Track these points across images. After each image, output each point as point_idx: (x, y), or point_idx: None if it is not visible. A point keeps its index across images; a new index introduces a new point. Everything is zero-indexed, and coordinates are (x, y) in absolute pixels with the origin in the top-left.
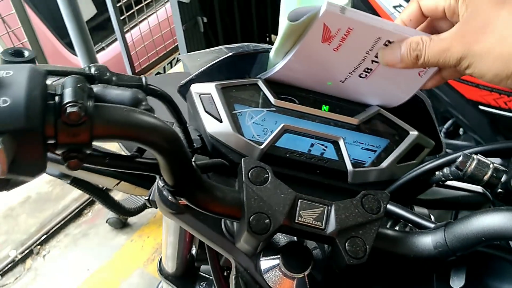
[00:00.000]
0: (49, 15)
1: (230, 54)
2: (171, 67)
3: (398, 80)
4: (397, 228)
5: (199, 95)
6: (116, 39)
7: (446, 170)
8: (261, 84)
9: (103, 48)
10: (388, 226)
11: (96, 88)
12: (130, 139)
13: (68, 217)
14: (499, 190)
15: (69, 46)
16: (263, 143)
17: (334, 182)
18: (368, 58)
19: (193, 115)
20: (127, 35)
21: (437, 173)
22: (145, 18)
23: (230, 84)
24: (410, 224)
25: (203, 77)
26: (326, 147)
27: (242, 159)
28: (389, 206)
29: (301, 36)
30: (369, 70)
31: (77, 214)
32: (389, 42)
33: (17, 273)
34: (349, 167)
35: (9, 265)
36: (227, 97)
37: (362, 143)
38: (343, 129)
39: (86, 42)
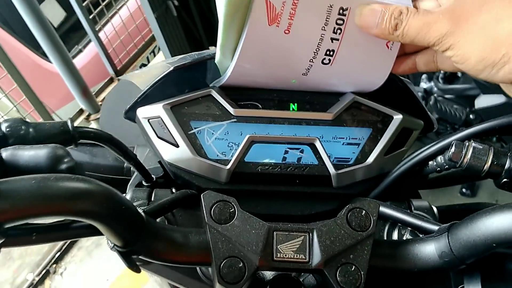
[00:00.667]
0: (19, 28)
1: (171, 69)
2: (154, 56)
3: (366, 59)
4: (395, 233)
5: (148, 120)
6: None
7: (440, 159)
8: (215, 94)
9: (80, 51)
10: (385, 232)
11: (5, 153)
12: (51, 214)
13: None
14: (504, 179)
15: (45, 55)
16: (230, 161)
17: (318, 189)
18: (326, 36)
19: (147, 140)
20: (101, 34)
21: (430, 163)
22: (116, 12)
23: (180, 101)
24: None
25: (149, 98)
26: (302, 151)
27: (202, 194)
28: (382, 209)
29: (245, 22)
30: (331, 53)
31: None
32: (343, 10)
33: None
34: (331, 170)
35: None
36: (179, 116)
37: (342, 138)
38: (317, 126)
39: (58, 48)
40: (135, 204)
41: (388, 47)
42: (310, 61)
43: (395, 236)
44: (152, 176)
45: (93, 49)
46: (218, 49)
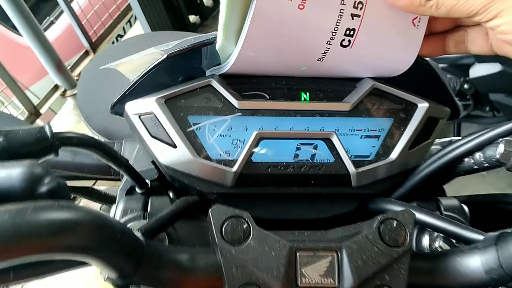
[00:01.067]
0: None
1: (165, 56)
2: (131, 26)
3: (391, 39)
4: (425, 239)
5: (139, 117)
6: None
7: (479, 156)
8: (216, 84)
9: (52, 22)
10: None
11: None
12: (31, 256)
13: None
14: None
15: (15, 28)
16: (236, 161)
17: (335, 190)
18: (346, 12)
19: (138, 139)
20: (73, 4)
21: (466, 160)
22: None
23: (176, 93)
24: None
25: (139, 90)
26: (316, 146)
27: (210, 210)
28: (420, 215)
29: None
30: (351, 32)
31: None
32: None
33: None
34: (350, 168)
35: None
36: (175, 111)
37: (361, 130)
38: (333, 118)
39: (28, 19)
40: (129, 217)
41: (414, 25)
42: (327, 43)
43: (425, 242)
44: (147, 181)
45: (66, 20)
46: (220, 31)
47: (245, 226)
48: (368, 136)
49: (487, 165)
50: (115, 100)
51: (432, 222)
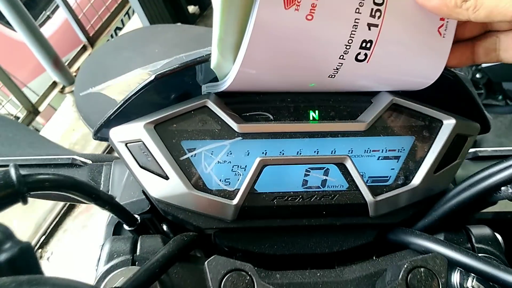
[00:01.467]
0: None
1: (153, 77)
2: (129, 18)
3: (414, 51)
4: (456, 277)
5: (125, 145)
6: None
7: None
8: (212, 105)
9: (48, 17)
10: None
11: None
12: None
13: (62, 211)
14: None
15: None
16: (237, 193)
17: (351, 220)
18: (362, 21)
19: (127, 168)
20: None
21: (503, 189)
22: None
23: (167, 117)
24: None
25: (126, 113)
26: (327, 171)
27: (206, 262)
28: (449, 252)
29: (252, 5)
30: (368, 45)
31: (70, 206)
32: None
33: None
34: (368, 196)
35: None
36: (167, 137)
37: (378, 151)
38: (346, 139)
39: (21, 15)
40: (115, 262)
41: (440, 34)
42: (340, 57)
43: (455, 280)
44: (136, 216)
45: (63, 15)
46: (214, 47)
47: (247, 280)
48: (386, 158)
49: None
50: (98, 125)
51: (466, 262)
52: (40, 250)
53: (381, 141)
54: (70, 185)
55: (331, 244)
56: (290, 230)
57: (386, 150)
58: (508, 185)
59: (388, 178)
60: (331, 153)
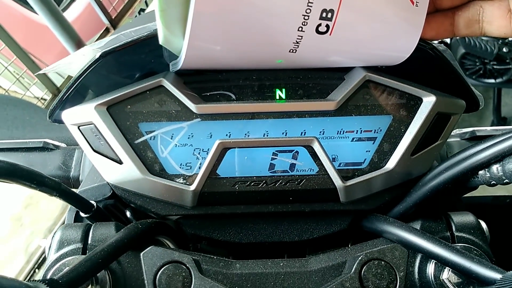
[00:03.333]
0: None
1: (98, 56)
2: None
3: (383, 22)
4: (430, 268)
5: (78, 128)
6: None
7: (496, 169)
8: (168, 85)
9: (73, 0)
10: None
11: None
12: None
13: None
14: None
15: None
16: (195, 178)
17: (320, 207)
18: None
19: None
20: None
21: (481, 173)
22: None
23: (120, 97)
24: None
25: (78, 95)
26: (296, 154)
27: (142, 254)
28: (416, 241)
29: None
30: (329, 15)
31: None
32: None
33: None
34: (337, 181)
35: (43, 256)
36: (121, 119)
37: (352, 132)
38: (316, 119)
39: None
40: (65, 250)
41: (413, 3)
42: (299, 29)
43: (430, 271)
44: (92, 203)
45: None
46: (158, 19)
47: (184, 273)
48: (361, 139)
49: (507, 180)
50: (52, 107)
51: (438, 253)
52: None
53: (355, 121)
54: (6, 172)
55: (301, 232)
56: (258, 217)
57: (361, 131)
58: (486, 169)
59: (363, 162)
60: (301, 134)
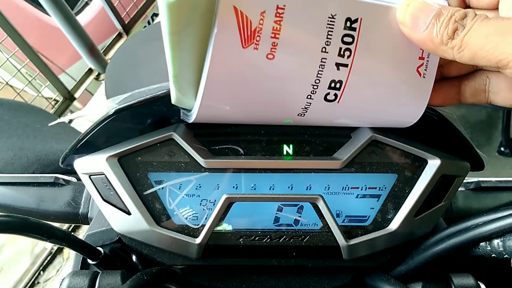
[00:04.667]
0: None
1: (112, 111)
2: None
3: (390, 92)
4: None
5: (89, 177)
6: None
7: (497, 244)
8: (178, 139)
9: (87, 3)
10: None
11: None
12: None
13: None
14: None
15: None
16: (200, 231)
17: (322, 262)
18: (329, 61)
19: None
20: None
21: (482, 244)
22: None
23: (131, 150)
24: None
25: (91, 144)
26: (301, 209)
27: None
28: None
29: (208, 42)
30: (337, 85)
31: None
32: (351, 22)
33: (57, 265)
34: (341, 239)
35: (48, 258)
36: (131, 170)
37: (357, 188)
38: (321, 174)
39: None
40: None
41: (420, 74)
42: (308, 97)
43: None
44: (100, 249)
45: (99, 3)
46: (171, 83)
47: None
48: (365, 196)
49: (507, 256)
50: (64, 154)
51: None
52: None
53: (361, 178)
54: (19, 226)
55: (303, 286)
56: (260, 270)
57: (366, 187)
58: (487, 242)
59: (366, 218)
60: (306, 189)
